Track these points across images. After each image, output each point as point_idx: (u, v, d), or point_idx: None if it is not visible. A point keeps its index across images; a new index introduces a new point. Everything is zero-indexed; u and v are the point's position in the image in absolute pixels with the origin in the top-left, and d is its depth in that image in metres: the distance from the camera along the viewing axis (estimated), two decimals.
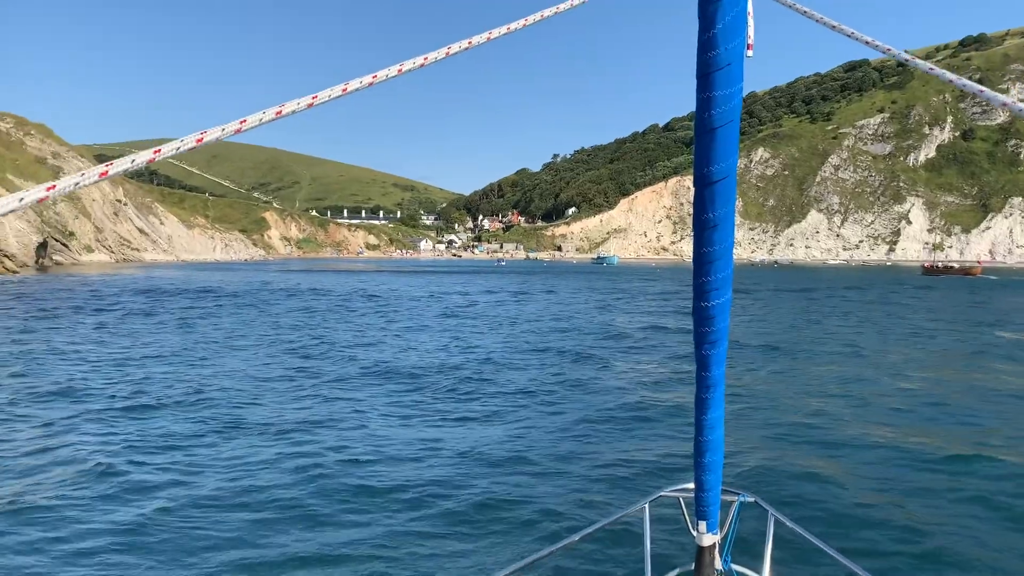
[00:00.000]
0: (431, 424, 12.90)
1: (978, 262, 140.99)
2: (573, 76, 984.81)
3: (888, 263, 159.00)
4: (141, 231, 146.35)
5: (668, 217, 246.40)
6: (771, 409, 14.25)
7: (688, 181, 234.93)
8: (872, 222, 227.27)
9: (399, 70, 1.80)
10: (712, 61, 2.05)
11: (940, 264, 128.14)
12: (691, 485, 3.33)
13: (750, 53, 2.41)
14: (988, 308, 43.49)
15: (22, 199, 1.34)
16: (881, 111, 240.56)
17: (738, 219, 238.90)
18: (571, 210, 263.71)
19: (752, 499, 3.69)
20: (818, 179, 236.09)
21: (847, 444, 11.69)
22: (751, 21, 2.33)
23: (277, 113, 1.61)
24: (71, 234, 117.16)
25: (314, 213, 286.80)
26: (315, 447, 11.06)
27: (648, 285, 69.63)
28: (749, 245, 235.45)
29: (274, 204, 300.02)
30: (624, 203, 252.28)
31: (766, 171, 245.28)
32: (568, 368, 19.09)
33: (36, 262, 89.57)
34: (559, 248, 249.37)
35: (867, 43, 2.12)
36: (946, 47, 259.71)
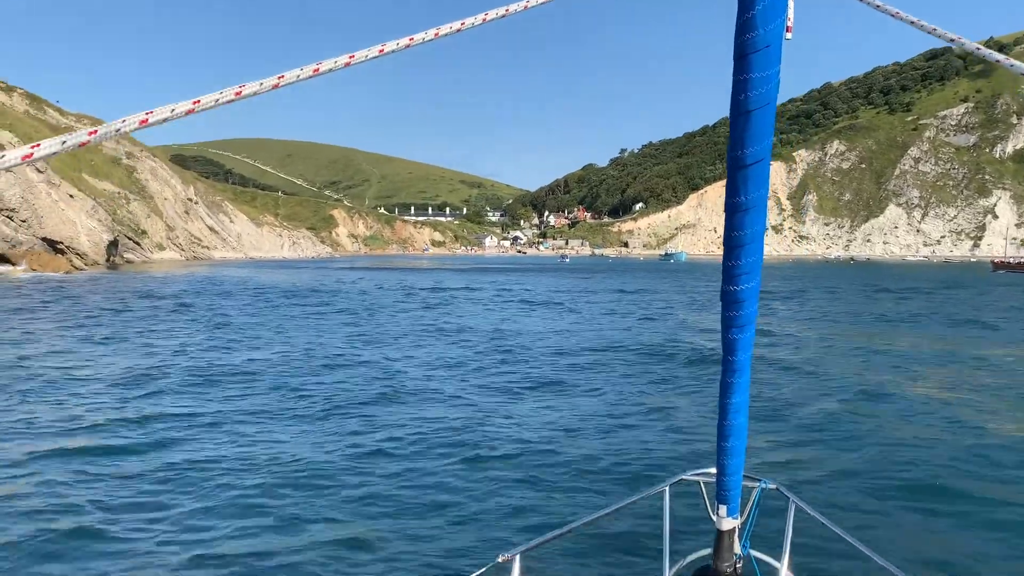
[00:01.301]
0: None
1: None
2: (642, 70, 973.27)
3: (973, 259, 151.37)
4: (211, 229, 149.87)
5: None
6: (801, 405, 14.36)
7: None
8: (955, 216, 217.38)
9: (410, 41, 1.79)
10: (750, 43, 2.03)
11: (1012, 260, 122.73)
12: (713, 469, 3.35)
13: (789, 36, 2.36)
14: None
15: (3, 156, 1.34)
16: (965, 100, 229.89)
17: (812, 214, 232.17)
18: (638, 205, 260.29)
19: (774, 486, 3.72)
20: (897, 172, 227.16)
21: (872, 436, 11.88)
22: (791, 3, 2.29)
23: (236, 94, 1.59)
24: (143, 232, 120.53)
25: (382, 210, 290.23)
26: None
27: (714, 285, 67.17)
28: (824, 241, 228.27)
29: (344, 202, 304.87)
30: (693, 198, 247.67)
31: (842, 164, 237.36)
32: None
33: (107, 260, 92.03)
34: (626, 244, 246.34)
35: (933, 32, 2.03)
36: None
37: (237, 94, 1.57)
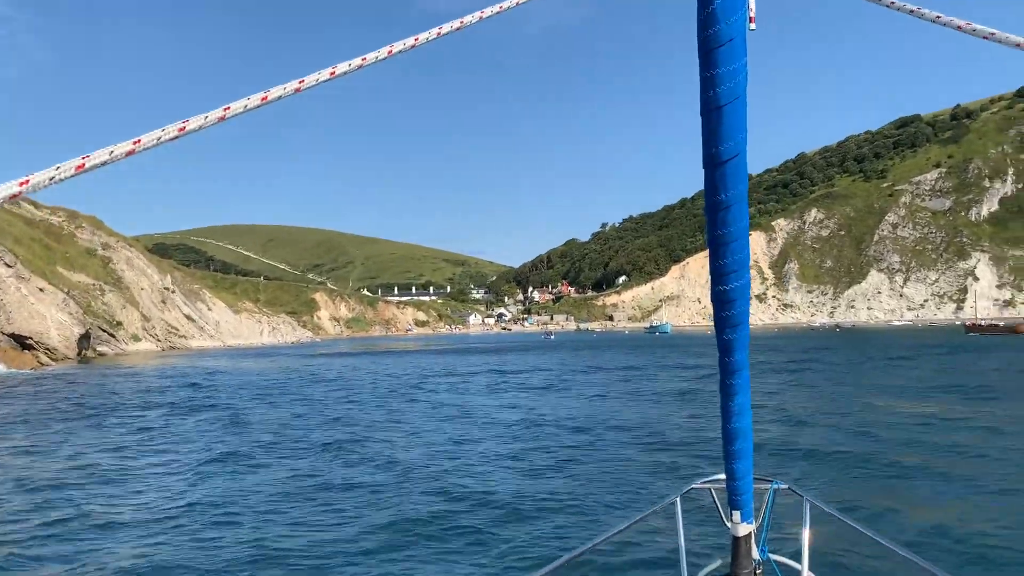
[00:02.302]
0: None
1: None
2: (620, 145, 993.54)
3: (957, 322, 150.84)
4: (188, 318, 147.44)
5: None
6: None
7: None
8: (936, 280, 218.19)
9: (389, 51, 1.76)
10: (713, 37, 2.04)
11: (983, 322, 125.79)
12: (722, 476, 3.32)
13: (752, 26, 2.35)
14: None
15: None
16: (937, 166, 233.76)
17: (795, 282, 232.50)
18: (621, 278, 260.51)
19: (785, 486, 3.69)
20: (876, 238, 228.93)
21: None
22: None
23: (220, 117, 1.53)
24: (118, 324, 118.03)
25: (365, 292, 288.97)
26: None
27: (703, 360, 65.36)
28: (808, 308, 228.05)
29: (328, 284, 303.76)
30: (675, 269, 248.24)
31: (821, 232, 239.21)
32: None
33: (79, 353, 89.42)
34: (610, 317, 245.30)
35: (939, 21, 1.93)
36: (1001, 98, 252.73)
37: (180, 130, 1.50)
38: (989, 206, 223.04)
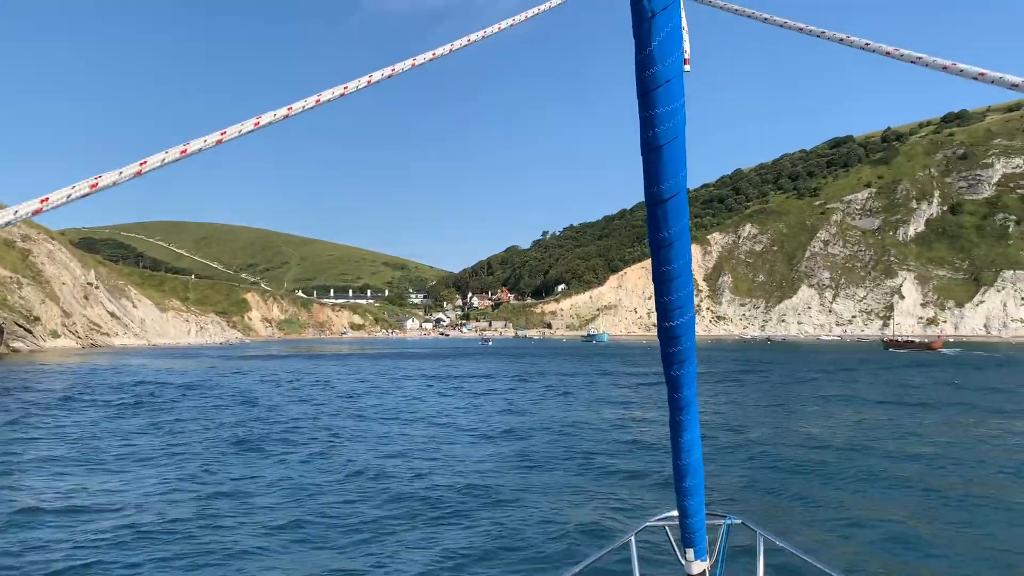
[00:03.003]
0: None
1: (938, 336, 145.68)
2: (562, 155, 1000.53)
3: (884, 338, 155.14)
4: (112, 315, 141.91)
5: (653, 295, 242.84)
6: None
7: None
8: (864, 297, 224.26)
9: (344, 90, 1.72)
10: (651, 79, 2.08)
11: (901, 339, 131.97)
12: (676, 513, 3.31)
13: (688, 68, 2.39)
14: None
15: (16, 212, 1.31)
16: (868, 186, 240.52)
17: (729, 295, 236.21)
18: (560, 287, 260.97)
19: (739, 521, 3.67)
20: (807, 254, 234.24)
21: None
22: (686, 36, 2.35)
23: (181, 152, 1.52)
24: (36, 319, 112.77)
25: (300, 293, 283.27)
26: None
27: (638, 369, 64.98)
28: (741, 321, 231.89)
29: (262, 285, 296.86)
30: (614, 279, 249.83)
31: (755, 247, 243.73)
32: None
33: None
34: (549, 325, 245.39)
35: (841, 41, 1.96)
36: (929, 123, 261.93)
37: (137, 174, 1.48)
38: (916, 227, 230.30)
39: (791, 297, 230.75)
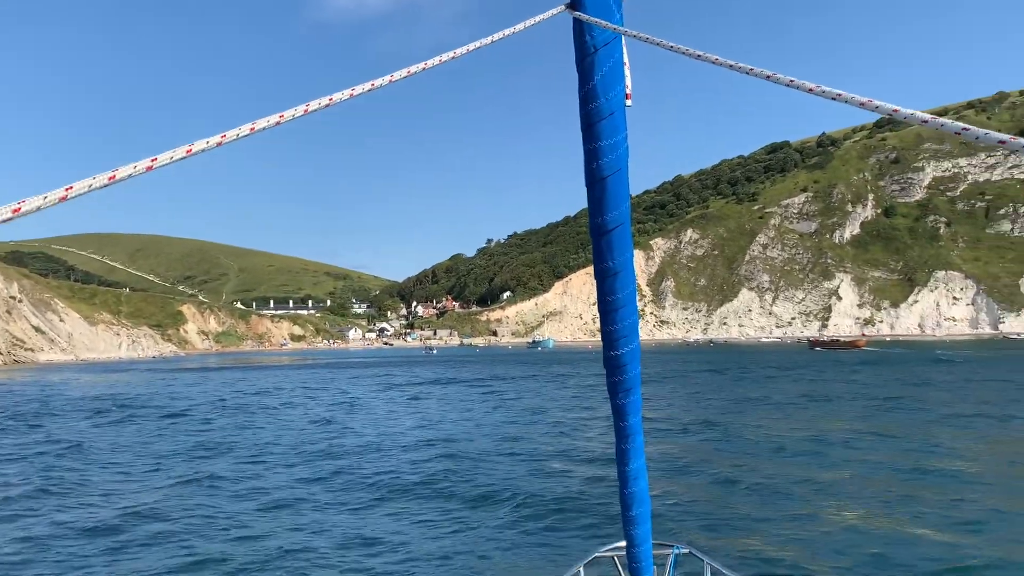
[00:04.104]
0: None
1: (862, 335, 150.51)
2: (505, 162, 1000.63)
3: (824, 338, 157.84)
4: (37, 329, 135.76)
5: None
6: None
7: None
8: (803, 299, 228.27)
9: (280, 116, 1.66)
10: (595, 112, 2.10)
11: (826, 339, 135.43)
12: (624, 543, 3.26)
13: (630, 103, 2.44)
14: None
15: None
16: (804, 190, 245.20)
17: (671, 299, 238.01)
18: (506, 294, 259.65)
19: (686, 550, 3.68)
20: (747, 258, 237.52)
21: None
22: (628, 71, 2.39)
23: (148, 168, 1.49)
24: None
25: (239, 305, 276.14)
26: None
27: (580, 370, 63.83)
28: (684, 325, 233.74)
29: (199, 297, 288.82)
30: (559, 286, 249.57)
31: (696, 251, 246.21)
32: None
33: None
34: (494, 333, 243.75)
35: (763, 75, 1.96)
36: (863, 128, 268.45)
37: (62, 199, 1.38)
38: (851, 229, 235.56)
39: (732, 300, 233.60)
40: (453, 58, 2.02)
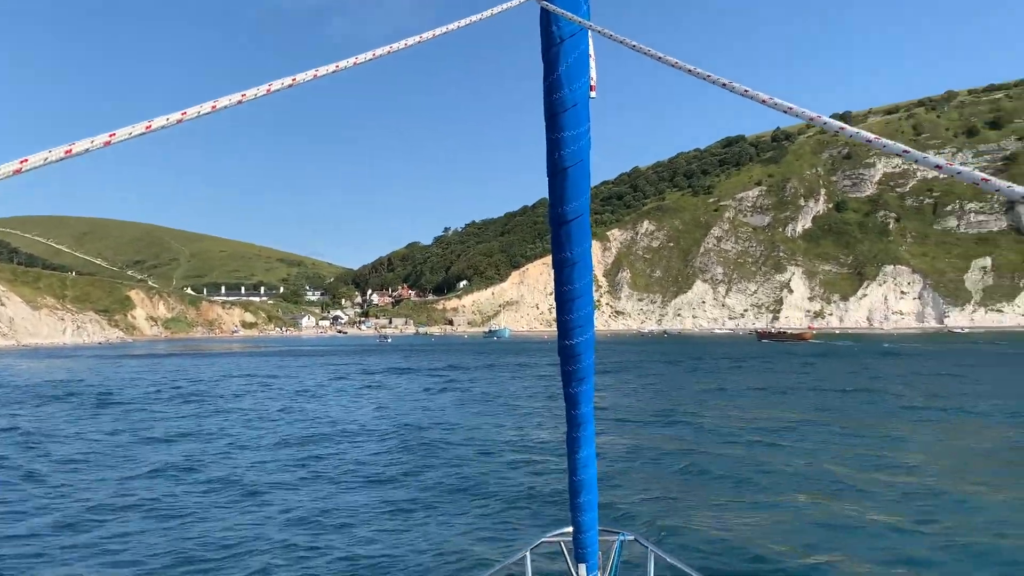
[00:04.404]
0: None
1: (809, 327, 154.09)
2: (464, 151, 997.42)
3: (773, 330, 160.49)
4: None
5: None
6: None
7: None
8: (755, 291, 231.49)
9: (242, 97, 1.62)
10: (558, 102, 2.11)
11: (773, 330, 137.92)
12: (571, 528, 3.36)
13: (594, 94, 2.45)
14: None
15: None
16: (759, 184, 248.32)
17: (627, 290, 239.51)
18: (462, 283, 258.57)
19: (632, 537, 3.72)
20: (702, 250, 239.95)
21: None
22: (593, 63, 2.40)
23: (66, 152, 1.42)
24: None
25: (189, 291, 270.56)
26: None
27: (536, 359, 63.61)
28: (639, 316, 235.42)
29: (148, 282, 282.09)
30: (515, 275, 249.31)
31: (652, 243, 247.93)
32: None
33: None
34: (450, 322, 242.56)
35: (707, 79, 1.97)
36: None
37: (16, 172, 1.39)
38: (803, 223, 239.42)
39: (686, 292, 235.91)
40: (419, 42, 2.00)
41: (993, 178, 1.29)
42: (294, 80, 1.67)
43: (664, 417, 25.48)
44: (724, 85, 1.87)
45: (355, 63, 1.82)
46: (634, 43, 2.06)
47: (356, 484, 15.25)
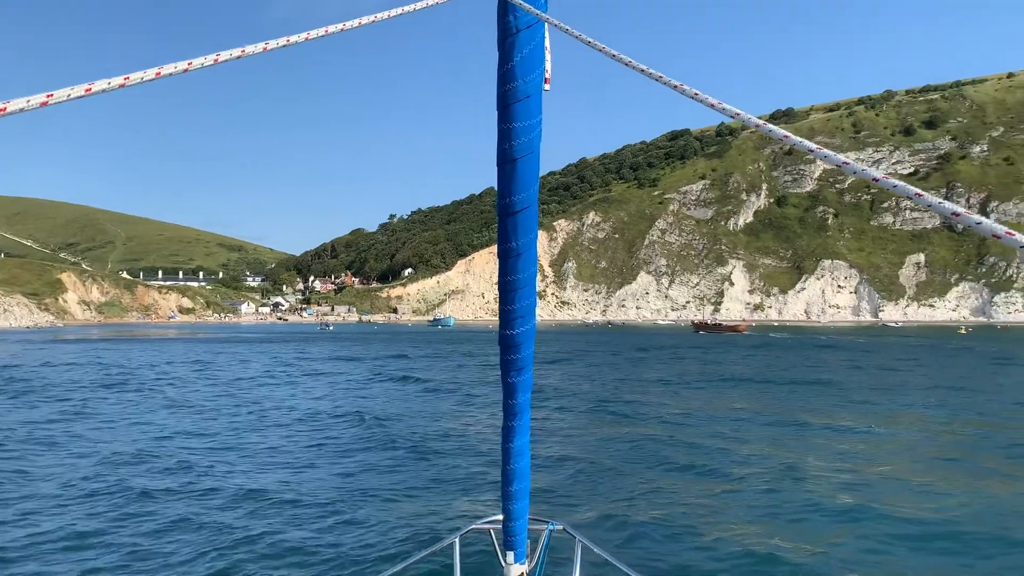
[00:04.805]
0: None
1: (744, 320, 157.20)
2: (411, 138, 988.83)
3: (712, 322, 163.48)
4: None
5: None
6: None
7: None
8: (698, 283, 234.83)
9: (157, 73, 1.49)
10: (511, 93, 2.12)
11: (709, 321, 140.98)
12: (501, 516, 3.40)
13: (548, 87, 2.45)
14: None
15: None
16: (703, 178, 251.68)
17: (573, 280, 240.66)
18: (407, 271, 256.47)
19: (560, 527, 3.75)
20: (647, 242, 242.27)
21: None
22: (549, 56, 2.39)
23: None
24: None
25: (125, 275, 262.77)
26: None
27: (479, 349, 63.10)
28: (584, 306, 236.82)
29: (83, 265, 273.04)
30: (461, 264, 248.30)
31: (597, 234, 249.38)
32: None
33: None
34: (395, 310, 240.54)
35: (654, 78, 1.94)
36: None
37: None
38: (745, 217, 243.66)
39: (631, 283, 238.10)
40: (374, 22, 1.95)
41: (926, 194, 1.29)
42: (243, 51, 1.63)
43: (599, 407, 25.46)
44: (675, 87, 1.87)
45: (306, 38, 1.76)
46: (590, 39, 2.04)
47: (283, 472, 14.83)
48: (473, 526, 3.82)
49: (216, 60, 1.58)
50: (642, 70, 1.90)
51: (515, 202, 2.27)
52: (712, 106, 1.81)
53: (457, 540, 3.68)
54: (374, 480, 14.14)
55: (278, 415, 23.10)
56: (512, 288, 2.45)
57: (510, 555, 3.28)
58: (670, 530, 10.65)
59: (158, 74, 1.47)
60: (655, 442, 18.33)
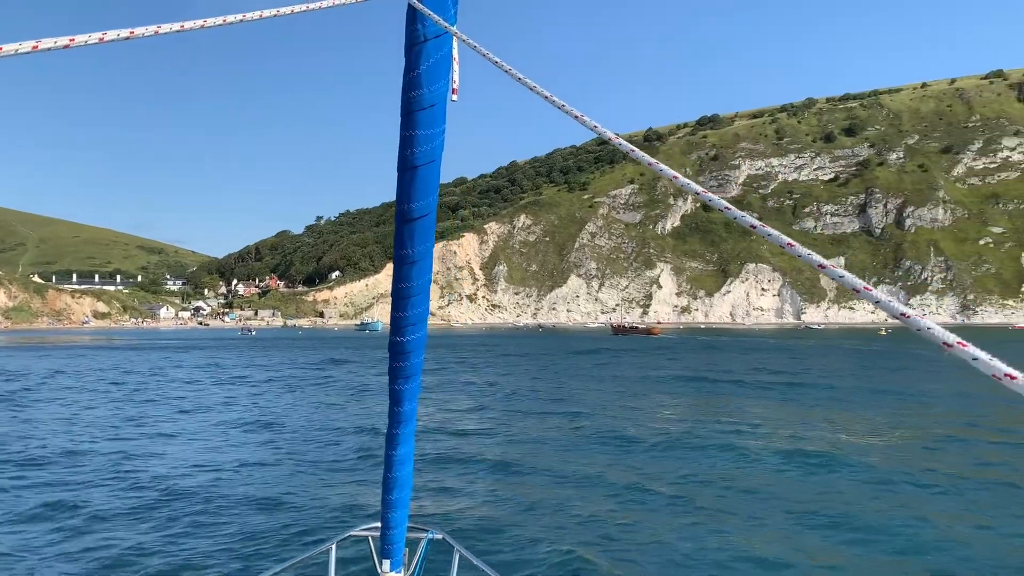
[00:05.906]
0: None
1: (658, 323, 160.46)
2: (339, 138, 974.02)
3: (641, 325, 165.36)
4: None
5: (435, 282, 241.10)
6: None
7: (455, 246, 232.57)
8: (627, 286, 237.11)
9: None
10: (415, 100, 2.11)
11: (626, 324, 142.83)
12: (380, 524, 3.42)
13: (455, 98, 2.42)
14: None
15: None
16: (631, 182, 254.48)
17: (504, 283, 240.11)
18: (335, 274, 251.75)
19: (440, 536, 3.76)
20: (577, 245, 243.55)
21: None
22: (456, 67, 2.37)
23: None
24: None
25: (36, 278, 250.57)
26: None
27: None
28: (515, 309, 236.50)
29: None
30: (391, 267, 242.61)
31: (528, 237, 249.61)
32: None
33: None
34: (321, 314, 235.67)
35: (574, 116, 1.93)
36: (686, 125, 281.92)
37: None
38: (672, 221, 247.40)
39: (561, 286, 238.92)
40: (291, 13, 1.89)
41: (828, 264, 1.30)
42: (158, 29, 1.54)
43: (493, 410, 25.39)
44: (576, 118, 1.85)
45: (224, 22, 1.67)
46: (497, 59, 2.00)
47: (177, 477, 14.68)
48: (350, 532, 3.75)
49: (131, 34, 1.48)
50: (545, 96, 1.88)
51: (413, 209, 2.25)
52: (609, 139, 1.78)
53: (334, 547, 3.61)
54: (252, 487, 13.79)
55: (157, 425, 21.24)
56: (405, 295, 2.43)
57: (386, 563, 3.25)
58: (550, 537, 10.54)
59: (71, 42, 1.36)
60: (551, 446, 18.32)
